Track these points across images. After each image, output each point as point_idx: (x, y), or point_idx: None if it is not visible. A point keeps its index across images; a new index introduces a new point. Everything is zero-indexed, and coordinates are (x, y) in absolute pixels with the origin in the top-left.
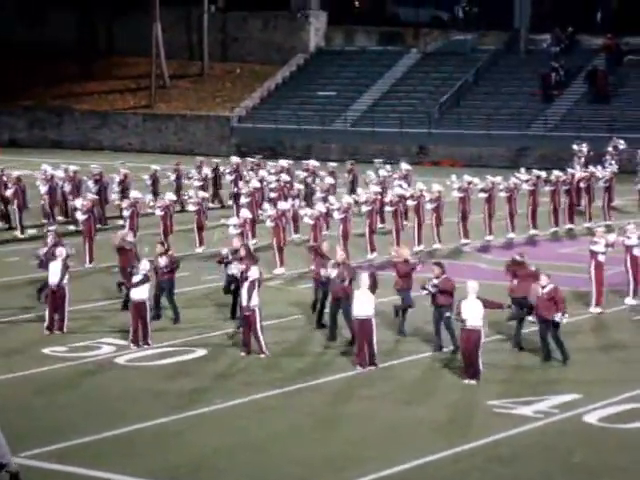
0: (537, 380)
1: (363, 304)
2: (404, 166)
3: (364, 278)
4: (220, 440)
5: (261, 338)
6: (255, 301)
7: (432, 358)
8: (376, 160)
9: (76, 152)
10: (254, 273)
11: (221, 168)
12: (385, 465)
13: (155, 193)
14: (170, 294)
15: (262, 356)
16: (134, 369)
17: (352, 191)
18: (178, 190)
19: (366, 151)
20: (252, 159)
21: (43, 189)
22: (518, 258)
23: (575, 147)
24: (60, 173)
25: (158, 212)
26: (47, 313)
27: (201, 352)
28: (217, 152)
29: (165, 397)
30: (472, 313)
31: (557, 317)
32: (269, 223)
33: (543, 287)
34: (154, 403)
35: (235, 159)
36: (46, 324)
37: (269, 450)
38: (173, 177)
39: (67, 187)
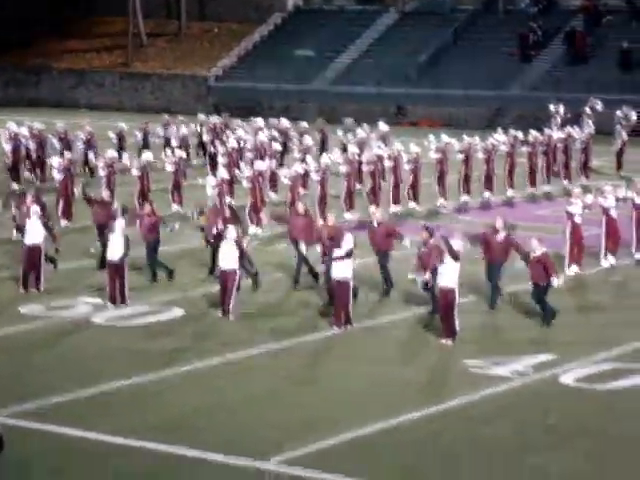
0: (513, 340)
1: (342, 266)
2: (382, 127)
3: (348, 239)
4: (198, 400)
5: (233, 300)
6: (235, 262)
7: (410, 319)
8: (346, 119)
9: (53, 110)
10: (232, 234)
11: (198, 128)
12: (360, 425)
13: (121, 150)
14: (153, 253)
15: (231, 318)
16: (112, 328)
17: (322, 151)
18: (145, 149)
19: (344, 111)
20: (219, 117)
21: (7, 147)
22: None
23: (552, 108)
24: (24, 131)
25: (135, 172)
26: (22, 272)
27: (179, 312)
28: (194, 111)
29: (143, 356)
30: (447, 273)
31: (554, 282)
32: (246, 184)
33: (534, 252)
34: (132, 362)
35: (212, 119)
36: (21, 282)
37: (246, 412)
38: (140, 136)
39: (32, 145)
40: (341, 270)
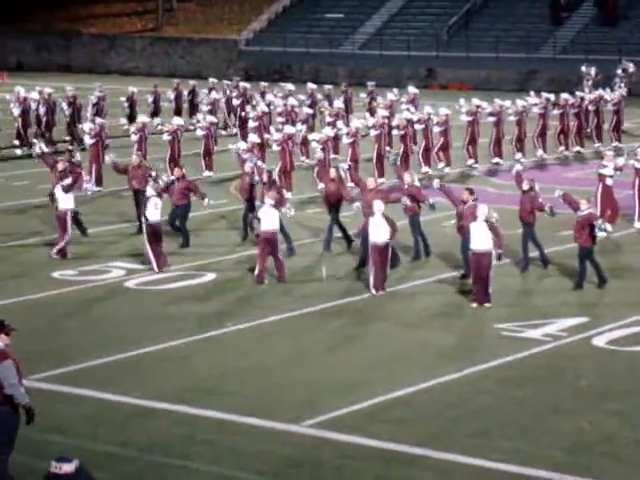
0: (546, 303)
1: (380, 230)
2: (411, 90)
3: (378, 204)
4: (229, 364)
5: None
6: (275, 225)
7: (442, 283)
8: (369, 83)
9: (84, 76)
10: (271, 199)
11: (228, 92)
12: (392, 388)
13: (132, 115)
14: (183, 218)
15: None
16: (144, 293)
17: (346, 113)
18: (156, 113)
19: (374, 74)
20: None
21: (16, 111)
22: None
23: (584, 70)
24: (35, 95)
25: (166, 137)
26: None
27: (211, 276)
28: (224, 75)
29: (175, 321)
30: (481, 236)
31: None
32: (275, 147)
33: (582, 211)
34: (164, 327)
35: (242, 83)
36: (56, 249)
37: (276, 374)
38: (151, 99)
39: (42, 109)
40: (381, 234)
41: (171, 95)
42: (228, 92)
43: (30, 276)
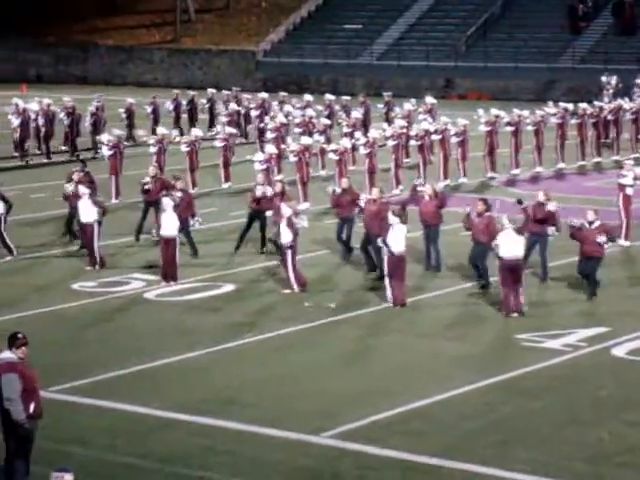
0: (565, 314)
1: (397, 240)
2: (429, 100)
3: (393, 218)
4: (248, 375)
5: (291, 274)
6: (290, 237)
7: (461, 293)
8: (385, 94)
9: (101, 87)
10: (286, 211)
11: (246, 103)
12: (412, 399)
13: (130, 126)
14: (186, 229)
15: (287, 291)
16: (163, 304)
17: (365, 124)
18: (155, 123)
19: (392, 85)
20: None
21: (15, 122)
22: (542, 199)
23: (604, 79)
24: (34, 106)
25: (184, 148)
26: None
27: (229, 287)
28: (243, 87)
29: (193, 332)
30: (510, 244)
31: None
32: (292, 158)
33: (590, 223)
34: (183, 338)
35: (261, 94)
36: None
37: (295, 385)
38: (150, 110)
39: (40, 120)
40: (397, 244)
41: (170, 106)
42: (246, 103)
43: (50, 288)
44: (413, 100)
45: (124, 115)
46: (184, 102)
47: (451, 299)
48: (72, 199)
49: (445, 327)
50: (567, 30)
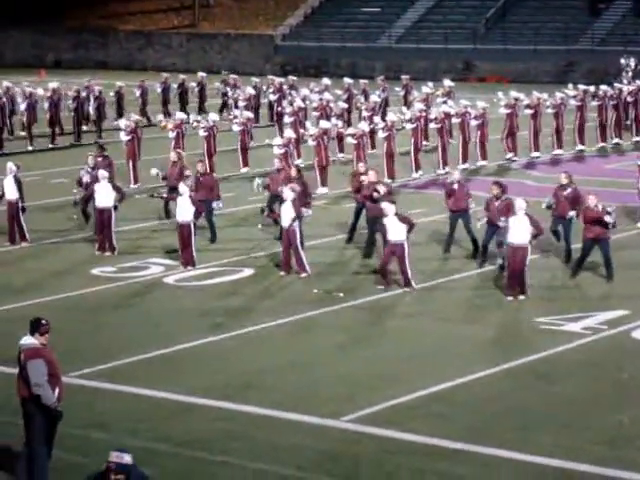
0: (584, 297)
1: (396, 228)
2: (447, 83)
3: (389, 207)
4: (267, 359)
5: (302, 257)
6: (294, 220)
7: (476, 277)
8: (404, 77)
9: (121, 72)
10: (290, 194)
11: (264, 87)
12: (431, 382)
13: (120, 109)
14: (209, 214)
15: (303, 275)
16: (182, 289)
17: (384, 107)
18: (144, 106)
19: (411, 68)
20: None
21: (22, 106)
22: (564, 180)
23: (623, 61)
24: (40, 91)
25: (202, 133)
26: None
27: (248, 272)
28: (261, 71)
29: (212, 316)
30: (519, 230)
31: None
32: (311, 142)
33: (592, 206)
34: (202, 322)
35: (278, 79)
36: (97, 245)
37: (314, 369)
38: (138, 93)
39: (46, 104)
40: (397, 233)
41: (158, 88)
42: (264, 88)
43: (69, 273)
44: (430, 84)
45: (114, 99)
46: (175, 86)
47: (469, 283)
48: (89, 183)
49: (464, 311)
50: (586, 12)
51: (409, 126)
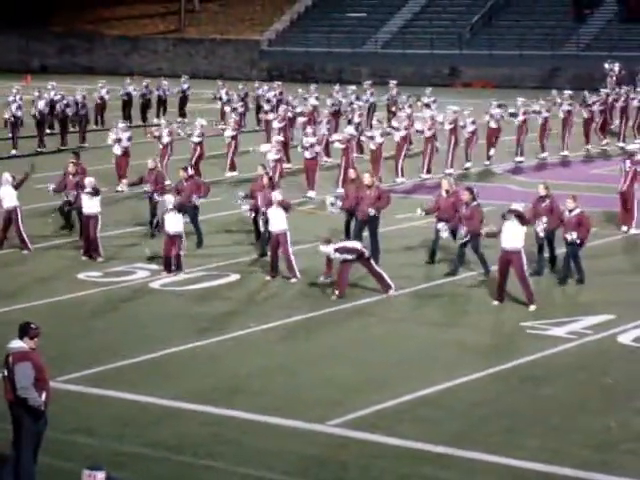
0: (570, 302)
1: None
2: (428, 91)
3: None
4: (255, 363)
5: (293, 261)
6: (283, 225)
7: (463, 282)
8: (391, 82)
9: (107, 77)
10: (278, 197)
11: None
12: (418, 387)
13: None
14: (194, 219)
15: (293, 280)
16: (169, 294)
17: (370, 113)
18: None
19: (397, 73)
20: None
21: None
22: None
23: (607, 66)
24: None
25: (195, 139)
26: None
27: (234, 277)
28: (247, 76)
29: (199, 321)
30: (511, 235)
31: (569, 237)
32: (338, 145)
33: (570, 210)
34: (189, 327)
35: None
36: (82, 250)
37: (301, 373)
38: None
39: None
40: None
41: (236, 98)
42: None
43: (56, 278)
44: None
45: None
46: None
47: (455, 288)
48: (68, 189)
49: (450, 315)
50: (571, 17)
51: (428, 133)
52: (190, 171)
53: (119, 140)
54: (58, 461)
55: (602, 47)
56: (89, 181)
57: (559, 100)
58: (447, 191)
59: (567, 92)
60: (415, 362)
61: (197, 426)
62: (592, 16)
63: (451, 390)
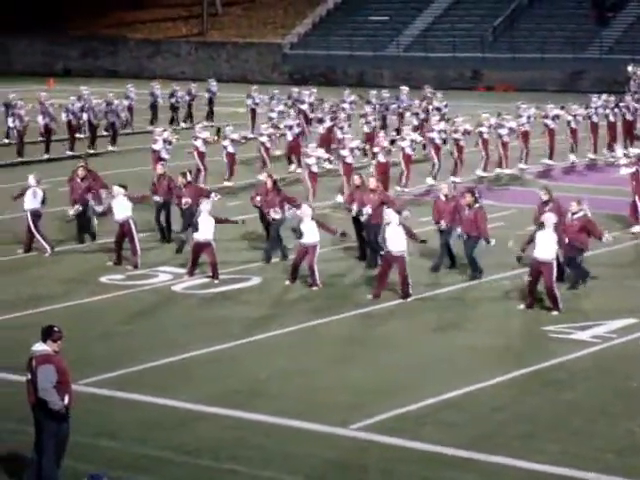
0: (593, 306)
1: (398, 239)
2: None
3: (390, 213)
4: (275, 367)
5: (316, 271)
6: (316, 237)
7: (485, 286)
8: (428, 89)
9: (130, 81)
10: (306, 208)
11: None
12: (439, 391)
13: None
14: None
15: (314, 288)
16: (191, 297)
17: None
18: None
19: (419, 77)
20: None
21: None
22: (544, 197)
23: (630, 69)
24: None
25: (231, 149)
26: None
27: (256, 280)
28: (269, 79)
29: (221, 324)
30: (545, 245)
31: (604, 239)
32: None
33: (573, 213)
34: (211, 330)
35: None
36: (114, 260)
37: (323, 377)
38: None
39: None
40: (398, 244)
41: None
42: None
43: (78, 281)
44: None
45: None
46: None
47: (476, 292)
48: (80, 195)
49: (471, 320)
50: (594, 21)
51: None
52: (189, 177)
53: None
54: (81, 464)
55: (625, 50)
56: (118, 190)
57: (594, 104)
58: (446, 196)
59: (602, 96)
60: (437, 366)
61: (219, 429)
62: (615, 19)
63: (472, 394)
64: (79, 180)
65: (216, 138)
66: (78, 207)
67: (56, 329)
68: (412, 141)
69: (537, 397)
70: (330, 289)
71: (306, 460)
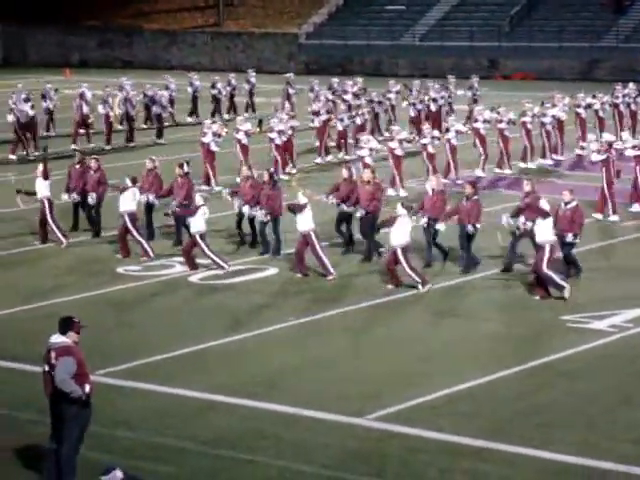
0: (610, 295)
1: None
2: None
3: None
4: (291, 357)
5: (324, 259)
6: (310, 224)
7: (500, 276)
8: (450, 78)
9: (146, 71)
10: (301, 198)
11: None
12: (454, 381)
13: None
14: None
15: (330, 278)
16: (207, 287)
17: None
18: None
19: (435, 66)
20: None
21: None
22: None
23: None
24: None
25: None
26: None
27: (273, 271)
28: (286, 69)
29: (237, 315)
30: (541, 229)
31: (568, 238)
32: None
33: (566, 203)
34: (226, 320)
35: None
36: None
37: (339, 367)
38: (190, 90)
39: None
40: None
41: (189, 88)
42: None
43: (94, 272)
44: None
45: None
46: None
47: (494, 282)
48: (92, 186)
49: (489, 310)
50: (611, 8)
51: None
52: (186, 168)
53: (219, 136)
54: (98, 454)
55: None
56: (128, 182)
57: (619, 92)
58: (433, 190)
59: (629, 85)
60: (453, 356)
61: (236, 420)
62: (632, 7)
63: (490, 384)
64: (92, 172)
65: (257, 130)
66: (75, 196)
67: (76, 320)
68: (457, 132)
69: (554, 387)
70: (345, 280)
71: (323, 450)
